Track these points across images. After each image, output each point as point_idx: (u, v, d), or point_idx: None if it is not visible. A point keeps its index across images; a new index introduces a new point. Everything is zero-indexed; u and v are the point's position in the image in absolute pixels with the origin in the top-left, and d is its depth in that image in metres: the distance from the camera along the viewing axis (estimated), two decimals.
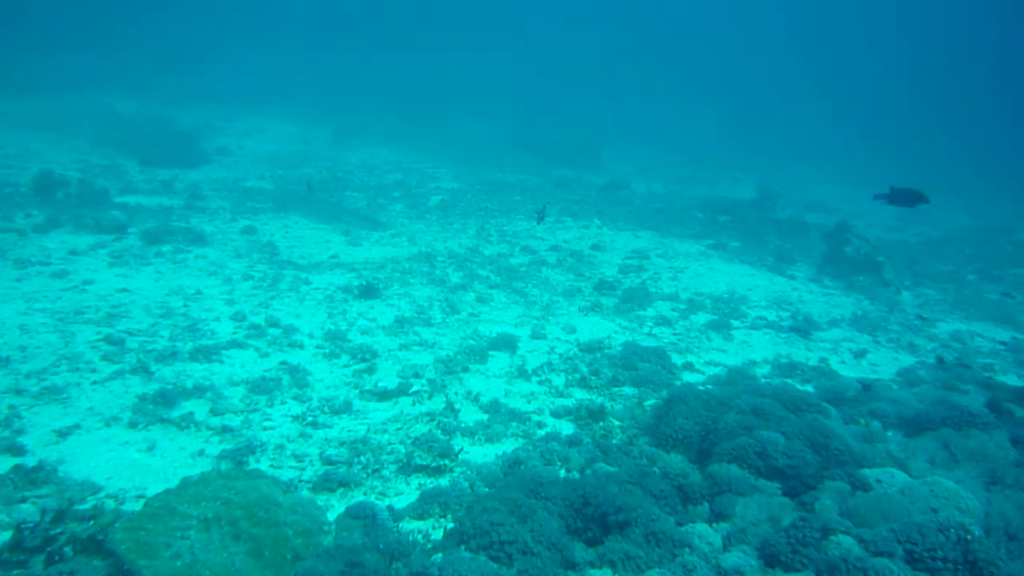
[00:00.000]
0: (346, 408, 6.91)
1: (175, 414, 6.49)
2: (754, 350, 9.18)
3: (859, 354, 9.08)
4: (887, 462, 4.72)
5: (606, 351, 8.77)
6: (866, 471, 4.57)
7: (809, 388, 7.74)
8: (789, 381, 7.93)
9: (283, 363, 7.90)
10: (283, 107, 31.31)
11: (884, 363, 8.86)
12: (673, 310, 10.71)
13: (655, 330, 9.76)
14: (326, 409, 6.90)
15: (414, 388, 7.43)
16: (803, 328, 9.94)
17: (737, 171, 35.02)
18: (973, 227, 22.18)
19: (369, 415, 6.88)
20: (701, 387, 7.54)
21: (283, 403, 7.00)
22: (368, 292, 10.49)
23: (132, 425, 6.27)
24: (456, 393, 7.42)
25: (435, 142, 29.36)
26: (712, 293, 11.59)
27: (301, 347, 8.48)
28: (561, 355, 8.63)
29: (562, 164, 28.01)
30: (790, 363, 8.39)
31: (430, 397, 7.30)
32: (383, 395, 7.28)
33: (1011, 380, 8.45)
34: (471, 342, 8.93)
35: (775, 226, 17.24)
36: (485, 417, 6.83)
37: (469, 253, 13.10)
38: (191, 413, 6.49)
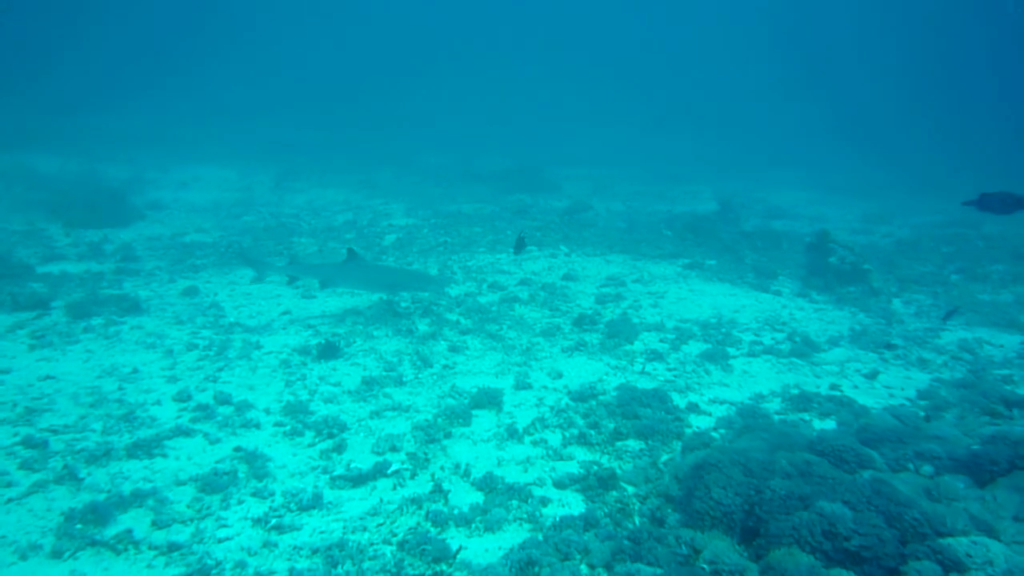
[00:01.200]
0: (316, 502, 5.97)
1: (109, 533, 5.46)
2: (758, 381, 8.55)
3: (870, 376, 8.54)
4: (970, 527, 4.06)
5: (600, 397, 8.02)
6: (950, 541, 3.90)
7: (831, 423, 7.13)
8: (806, 417, 7.31)
9: (237, 449, 6.92)
10: (219, 149, 30.15)
11: (898, 383, 8.33)
12: (662, 341, 10.05)
13: (648, 367, 9.07)
14: (292, 505, 5.94)
15: (393, 467, 6.53)
16: (803, 351, 9.39)
17: (693, 183, 35.09)
18: (939, 223, 22.35)
19: (344, 507, 5.95)
20: (716, 433, 6.86)
21: (240, 503, 6.03)
22: (328, 351, 9.56)
23: (55, 555, 5.22)
24: (443, 468, 6.55)
25: (384, 177, 28.57)
26: (698, 318, 11.00)
27: (257, 426, 7.50)
28: (552, 407, 7.84)
29: (517, 190, 27.48)
30: (802, 394, 7.78)
31: (412, 476, 6.41)
32: (358, 479, 6.36)
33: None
34: (450, 401, 8.08)
35: (747, 239, 16.93)
36: (480, 497, 5.98)
37: (435, 296, 12.25)
38: (129, 530, 5.47)
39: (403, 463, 6.64)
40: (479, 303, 11.91)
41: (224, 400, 8.05)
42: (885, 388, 8.20)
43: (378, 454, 6.85)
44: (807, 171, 38.53)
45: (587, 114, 57.83)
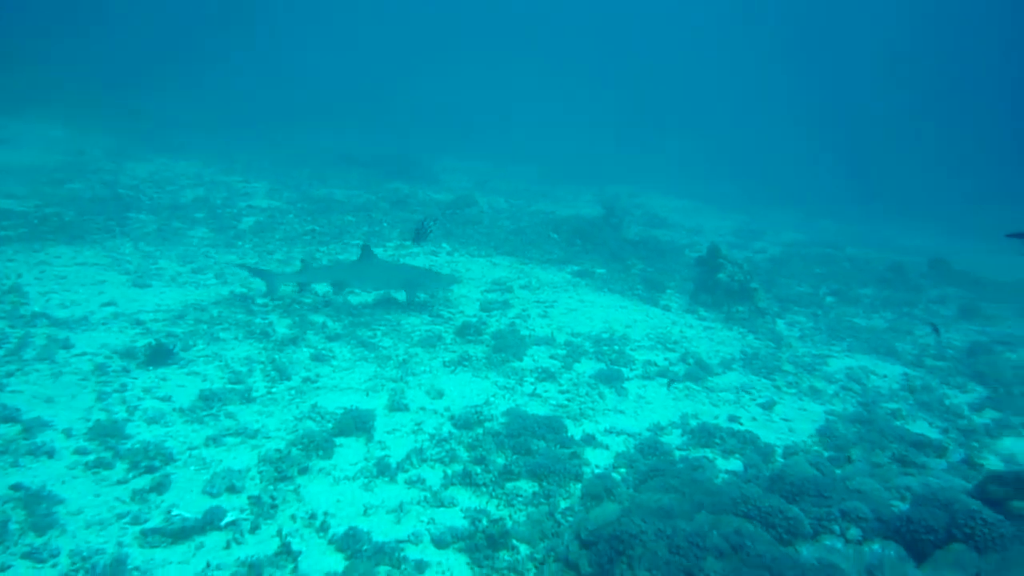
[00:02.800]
0: (115, 570, 4.60)
1: None
2: (655, 408, 7.97)
3: (767, 406, 8.21)
4: None
5: (488, 425, 7.10)
6: None
7: (736, 463, 6.62)
8: (709, 455, 6.77)
9: (16, 488, 5.37)
10: (46, 110, 26.18)
11: (795, 416, 8.05)
12: (553, 358, 9.30)
13: (539, 388, 8.26)
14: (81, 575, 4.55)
15: (229, 516, 5.25)
16: (698, 374, 8.97)
17: (574, 183, 35.18)
18: (805, 242, 23.44)
19: None
20: (617, 474, 6.13)
21: (4, 570, 4.54)
22: (159, 356, 7.99)
23: None
24: (294, 518, 5.35)
25: (245, 152, 26.14)
26: (590, 333, 10.37)
27: (50, 454, 5.95)
28: (432, 435, 6.83)
29: (395, 178, 26.11)
30: (702, 426, 7.25)
31: (254, 530, 5.17)
32: (179, 534, 5.03)
33: (920, 428, 8.00)
34: (310, 424, 6.86)
35: (633, 247, 16.71)
36: (340, 563, 4.85)
37: (298, 292, 10.84)
38: None
39: (243, 511, 5.38)
40: (350, 303, 10.64)
41: (9, 417, 6.37)
42: (784, 421, 7.88)
43: (211, 496, 5.55)
44: (683, 180, 39.83)
45: (473, 107, 56.96)
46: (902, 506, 5.08)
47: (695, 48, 78.57)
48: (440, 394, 7.86)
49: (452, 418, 7.23)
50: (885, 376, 9.64)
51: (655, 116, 59.22)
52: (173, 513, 5.22)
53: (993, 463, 7.13)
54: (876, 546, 4.47)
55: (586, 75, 70.94)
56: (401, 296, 10.88)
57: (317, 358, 8.53)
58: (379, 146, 31.78)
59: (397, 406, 7.42)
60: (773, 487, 5.31)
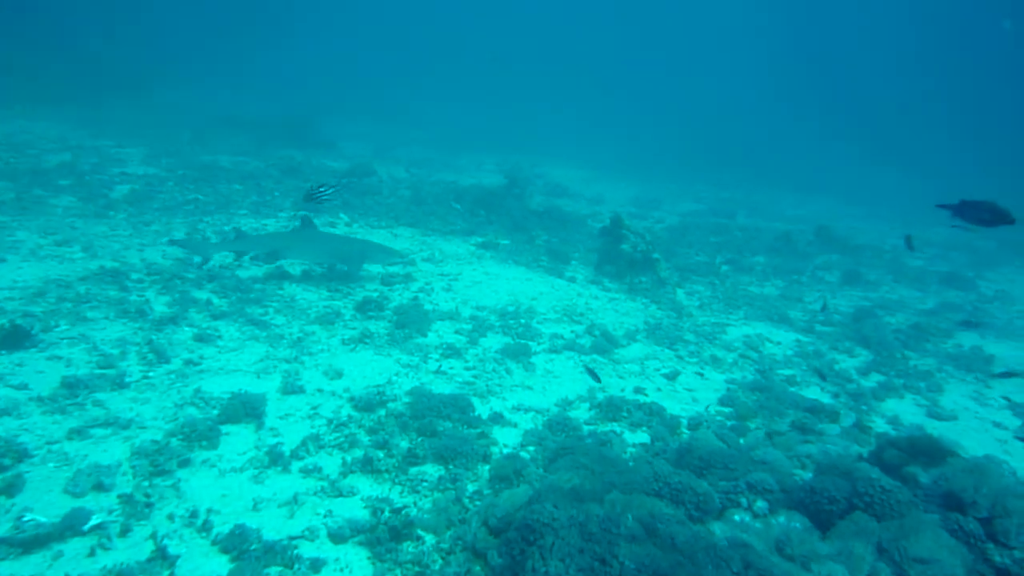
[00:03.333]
0: None
1: None
2: (562, 383, 7.86)
3: (671, 376, 8.28)
4: None
5: (391, 405, 6.76)
6: None
7: (643, 436, 6.61)
8: (617, 428, 6.72)
9: None
10: None
11: (698, 385, 8.16)
12: (458, 333, 9.01)
13: (444, 365, 7.96)
14: None
15: (93, 520, 4.69)
16: (604, 346, 8.94)
17: (476, 152, 34.75)
18: (701, 211, 24.13)
19: None
20: (526, 453, 5.97)
21: None
22: (14, 339, 7.11)
23: None
24: (172, 517, 4.85)
25: (117, 112, 24.03)
26: (496, 306, 10.14)
27: None
28: (330, 420, 6.42)
29: (287, 143, 24.80)
30: (609, 400, 7.19)
31: (124, 533, 4.64)
32: (32, 542, 4.44)
33: (812, 393, 8.29)
34: (192, 411, 6.28)
35: (537, 218, 16.57)
36: (225, 566, 4.42)
37: (179, 266, 10.00)
38: None
39: (111, 512, 4.82)
40: (238, 278, 9.91)
41: None
42: (687, 391, 7.96)
43: (74, 496, 4.96)
44: (583, 149, 40.14)
45: (376, 72, 55.02)
46: (805, 475, 5.18)
47: (595, 19, 79.03)
48: (339, 374, 7.42)
49: (352, 400, 6.83)
50: (779, 343, 9.98)
51: (557, 85, 59.35)
52: (25, 519, 4.60)
53: (880, 425, 7.48)
54: (782, 518, 4.51)
55: (489, 43, 69.99)
56: (342, 268, 10.39)
57: (201, 338, 7.86)
58: (271, 107, 30.07)
59: (291, 388, 6.93)
60: (681, 461, 5.28)
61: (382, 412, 6.62)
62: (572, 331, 9.55)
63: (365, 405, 6.72)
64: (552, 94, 56.24)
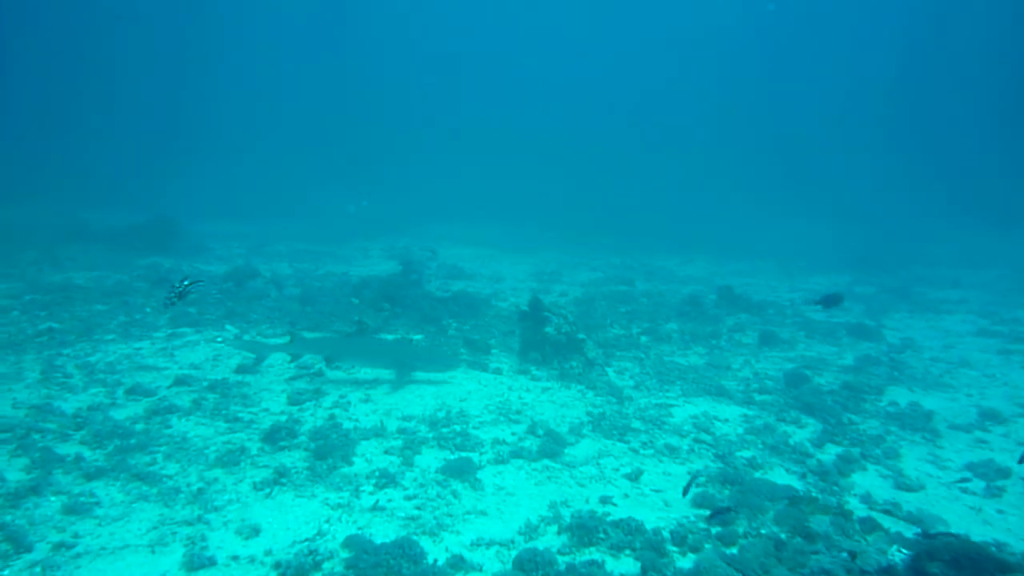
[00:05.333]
0: None
1: None
2: (519, 501, 7.03)
3: (634, 477, 7.65)
4: None
5: (327, 567, 5.66)
6: None
7: (631, 565, 5.86)
8: (597, 557, 5.93)
9: None
10: None
11: (663, 484, 7.56)
12: (388, 453, 8.00)
13: (381, 498, 6.93)
14: None
15: None
16: (552, 448, 8.20)
17: (359, 239, 33.88)
18: (600, 280, 24.25)
19: None
20: None
21: None
22: None
23: None
24: None
25: None
26: (424, 414, 9.22)
27: None
28: None
29: (152, 251, 22.95)
30: (578, 518, 6.40)
31: None
32: None
33: (779, 475, 7.92)
34: None
35: (444, 306, 15.83)
36: None
37: (36, 415, 8.41)
38: None
39: None
40: (114, 420, 8.45)
41: None
42: (655, 493, 7.33)
43: None
44: (463, 224, 40.14)
45: (232, 162, 53.23)
46: None
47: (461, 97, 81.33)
48: (255, 531, 6.23)
49: (278, 567, 5.66)
50: (727, 420, 9.64)
51: (435, 159, 59.94)
52: None
53: (855, 506, 7.14)
54: None
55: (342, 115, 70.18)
56: (389, 375, 10.48)
57: (73, 509, 6.43)
58: (127, 215, 27.94)
59: (198, 562, 5.69)
60: None
61: None
62: (513, 433, 8.76)
63: (295, 572, 5.58)
64: (430, 169, 56.64)
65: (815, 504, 6.71)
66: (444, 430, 8.69)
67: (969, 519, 7.06)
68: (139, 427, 8.34)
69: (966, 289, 23.82)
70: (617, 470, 7.84)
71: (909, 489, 7.69)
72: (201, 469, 7.38)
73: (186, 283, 8.73)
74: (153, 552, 5.85)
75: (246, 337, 12.58)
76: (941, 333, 16.36)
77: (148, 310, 13.89)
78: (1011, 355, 14.05)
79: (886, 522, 6.69)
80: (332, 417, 8.94)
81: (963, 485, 7.82)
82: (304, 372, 10.71)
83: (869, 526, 6.44)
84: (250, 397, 9.56)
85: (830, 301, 10.93)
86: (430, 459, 7.89)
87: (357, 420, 8.94)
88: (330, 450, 7.84)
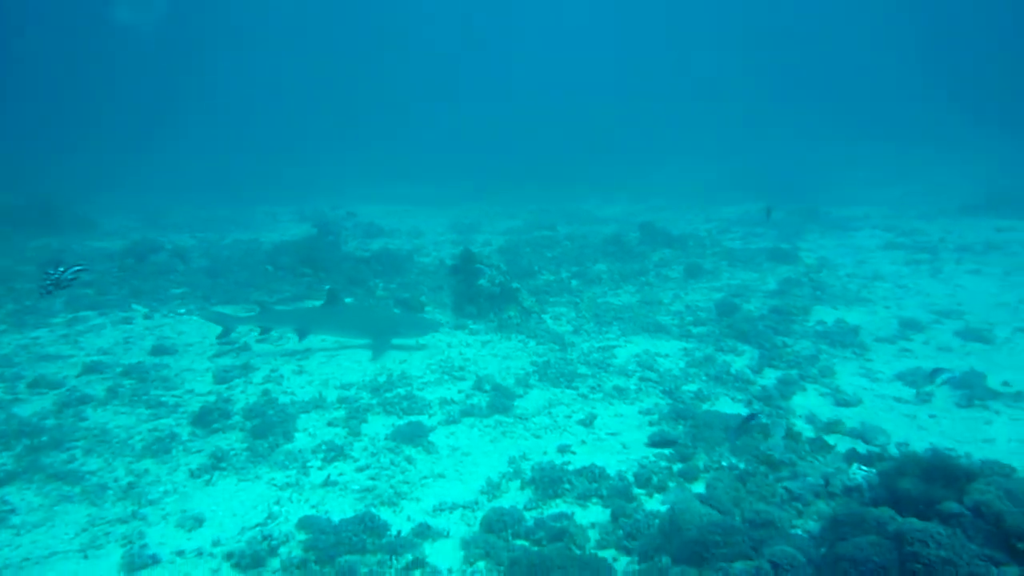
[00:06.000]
0: None
1: None
2: (476, 460, 6.87)
3: (587, 423, 7.61)
4: None
5: (283, 551, 5.36)
6: None
7: (599, 512, 5.81)
8: (566, 509, 5.85)
9: None
10: None
11: (618, 426, 7.55)
12: (332, 425, 7.66)
13: (332, 472, 6.61)
14: None
15: None
16: (502, 403, 8.06)
17: (267, 203, 32.39)
18: (522, 228, 24.09)
19: None
20: None
21: None
22: None
23: None
24: None
25: None
26: (363, 380, 8.88)
27: None
28: None
29: (38, 232, 21.11)
30: (540, 472, 6.27)
31: None
32: None
33: (725, 405, 8.06)
34: None
35: (367, 265, 15.33)
36: None
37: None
38: None
39: None
40: (19, 418, 7.72)
41: None
42: (611, 436, 7.31)
43: None
44: (378, 182, 39.04)
45: (126, 125, 49.57)
46: (806, 525, 4.67)
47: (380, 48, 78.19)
48: (199, 521, 5.83)
49: (229, 557, 5.30)
50: (668, 355, 9.75)
51: (342, 118, 57.69)
52: None
53: (802, 427, 7.35)
54: None
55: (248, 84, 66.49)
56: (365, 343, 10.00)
57: None
58: (5, 196, 25.53)
59: (139, 562, 5.27)
60: (672, 547, 4.55)
61: (276, 565, 5.20)
62: (460, 391, 8.56)
63: (250, 560, 5.24)
64: (338, 128, 54.56)
65: (764, 428, 6.86)
66: (388, 395, 8.40)
67: (906, 427, 7.40)
68: (50, 423, 7.65)
69: (867, 205, 25.01)
70: (570, 417, 7.78)
71: (848, 404, 7.99)
72: (128, 462, 6.84)
73: (61, 270, 7.87)
74: (86, 557, 5.38)
75: (156, 316, 11.74)
76: (852, 250, 17.13)
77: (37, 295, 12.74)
78: (919, 264, 14.87)
79: (832, 439, 6.93)
80: (266, 393, 8.47)
81: (895, 395, 8.18)
82: (229, 347, 10.11)
83: (818, 445, 6.65)
84: (171, 380, 8.94)
85: (768, 211, 13.00)
86: (378, 426, 7.60)
87: (293, 393, 8.51)
88: (269, 428, 7.42)
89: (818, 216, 22.65)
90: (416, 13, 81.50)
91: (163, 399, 8.31)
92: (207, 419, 7.66)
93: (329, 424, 7.68)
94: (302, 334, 9.77)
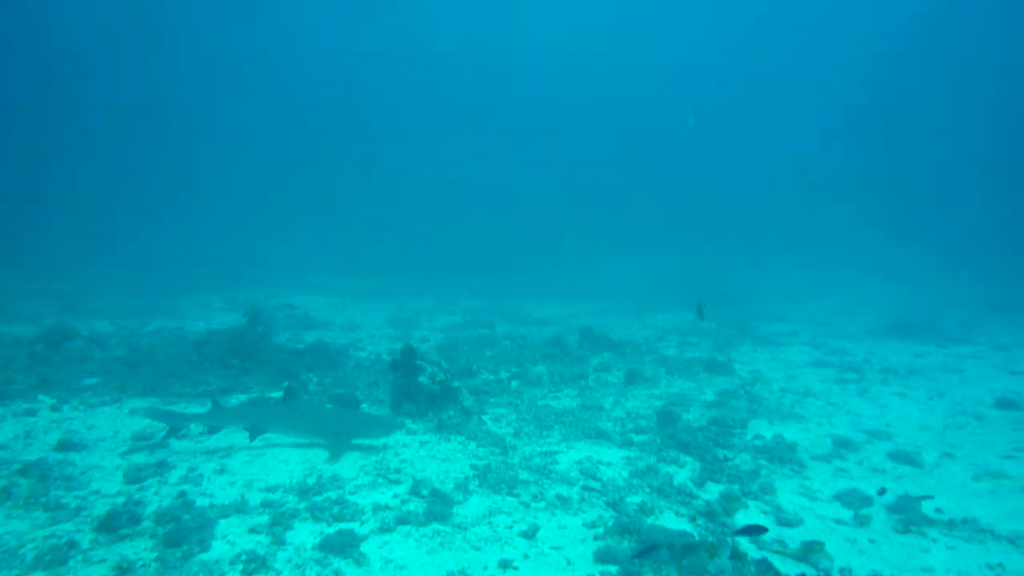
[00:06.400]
0: None
1: None
2: (412, 575, 6.41)
3: (530, 535, 7.27)
4: None
5: None
6: None
7: None
8: None
9: None
10: None
11: (562, 540, 7.22)
12: (254, 532, 7.09)
13: None
14: None
15: None
16: (440, 510, 7.66)
17: (199, 292, 31.43)
18: (459, 324, 23.99)
19: None
20: None
21: None
22: None
23: None
24: None
25: None
26: (291, 482, 8.34)
27: None
28: None
29: None
30: None
31: None
32: None
33: (669, 519, 7.88)
34: None
35: (301, 358, 14.84)
36: None
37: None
38: None
39: None
40: None
41: None
42: (555, 551, 6.97)
43: None
44: (312, 272, 38.56)
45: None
46: None
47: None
48: None
49: None
50: (610, 463, 9.57)
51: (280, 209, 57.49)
52: None
53: (747, 548, 7.21)
54: None
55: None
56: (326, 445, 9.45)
57: None
58: None
59: None
60: None
61: None
62: (395, 495, 8.11)
63: None
64: (278, 214, 54.27)
65: (711, 548, 6.69)
66: (317, 498, 7.89)
67: (848, 550, 7.35)
68: None
69: (793, 322, 26.03)
70: (511, 528, 7.44)
71: (790, 524, 7.92)
72: (16, 575, 6.09)
73: None
74: None
75: (66, 408, 10.90)
76: (783, 364, 17.61)
77: None
78: (847, 384, 15.34)
79: (777, 562, 6.81)
80: (182, 494, 7.82)
81: (834, 516, 8.16)
82: (143, 444, 9.40)
83: (764, 568, 6.52)
84: (76, 478, 8.17)
85: (701, 310, 13.12)
86: (304, 534, 7.07)
87: (213, 495, 7.89)
88: (183, 534, 6.81)
89: (747, 329, 23.39)
90: (360, 103, 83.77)
91: (64, 501, 7.56)
92: (113, 524, 6.97)
93: (251, 531, 7.10)
94: (255, 433, 9.28)
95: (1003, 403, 13.34)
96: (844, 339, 21.90)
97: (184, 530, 6.87)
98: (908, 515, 8.07)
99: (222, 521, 7.26)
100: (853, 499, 8.59)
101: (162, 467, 8.59)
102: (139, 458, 8.88)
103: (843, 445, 10.80)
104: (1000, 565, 6.99)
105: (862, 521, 8.05)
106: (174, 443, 9.45)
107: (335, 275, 38.34)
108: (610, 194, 65.99)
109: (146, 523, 7.10)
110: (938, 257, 42.82)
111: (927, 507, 8.33)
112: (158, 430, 9.73)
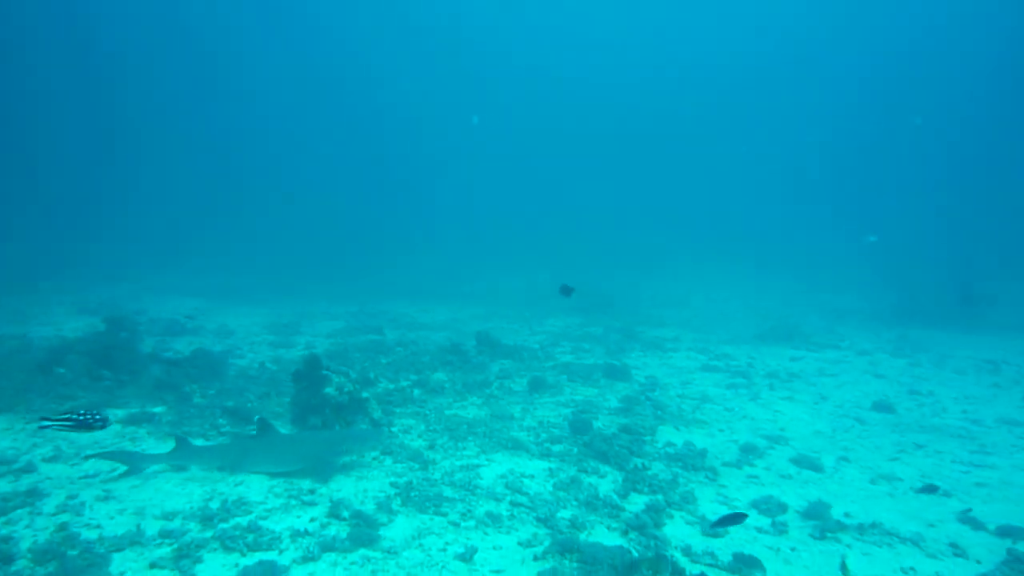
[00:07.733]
0: None
1: None
2: None
3: (467, 557, 6.97)
4: None
5: None
6: None
7: None
8: None
9: None
10: None
11: (500, 562, 6.99)
12: (156, 567, 6.35)
13: None
14: None
15: None
16: (366, 534, 7.21)
17: (37, 292, 28.39)
18: (344, 330, 23.12)
19: None
20: None
21: None
22: None
23: None
24: None
25: None
26: (191, 508, 7.57)
27: None
28: None
29: None
30: None
31: None
32: None
33: (602, 535, 7.86)
34: None
35: (179, 369, 13.67)
36: None
37: None
38: None
39: None
40: None
41: None
42: (496, 574, 6.74)
43: None
44: (175, 275, 36.05)
45: None
46: None
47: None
48: None
49: None
50: (533, 476, 9.44)
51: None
52: None
53: (683, 562, 7.29)
54: None
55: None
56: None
57: None
58: None
59: None
60: None
61: None
62: (313, 519, 7.57)
63: None
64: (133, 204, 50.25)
65: (654, 564, 6.70)
66: (224, 525, 7.20)
67: (773, 560, 7.59)
68: None
69: (672, 327, 27.12)
70: (445, 550, 7.12)
71: (716, 535, 8.10)
72: None
73: None
74: None
75: None
76: (675, 370, 18.26)
77: None
78: (738, 388, 16.12)
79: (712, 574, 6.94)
80: (63, 527, 6.90)
81: (756, 525, 8.44)
82: (5, 469, 8.21)
83: None
84: None
85: (565, 290, 13.68)
86: (217, 567, 6.41)
87: (101, 526, 7.02)
88: (72, 574, 5.95)
89: (635, 334, 24.14)
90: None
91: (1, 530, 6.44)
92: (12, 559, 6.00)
93: (152, 566, 6.36)
94: (232, 470, 8.55)
95: (879, 406, 14.51)
96: (724, 344, 23.07)
97: (72, 569, 6.03)
98: (822, 521, 8.50)
99: (116, 556, 6.46)
100: (770, 506, 8.94)
101: (33, 495, 7.54)
102: (2, 486, 7.73)
103: (749, 451, 11.27)
104: (912, 569, 7.49)
105: (780, 529, 8.38)
106: (42, 467, 8.34)
107: (195, 276, 35.95)
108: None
109: (21, 562, 6.17)
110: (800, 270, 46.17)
111: (836, 511, 8.81)
112: (21, 453, 8.55)
